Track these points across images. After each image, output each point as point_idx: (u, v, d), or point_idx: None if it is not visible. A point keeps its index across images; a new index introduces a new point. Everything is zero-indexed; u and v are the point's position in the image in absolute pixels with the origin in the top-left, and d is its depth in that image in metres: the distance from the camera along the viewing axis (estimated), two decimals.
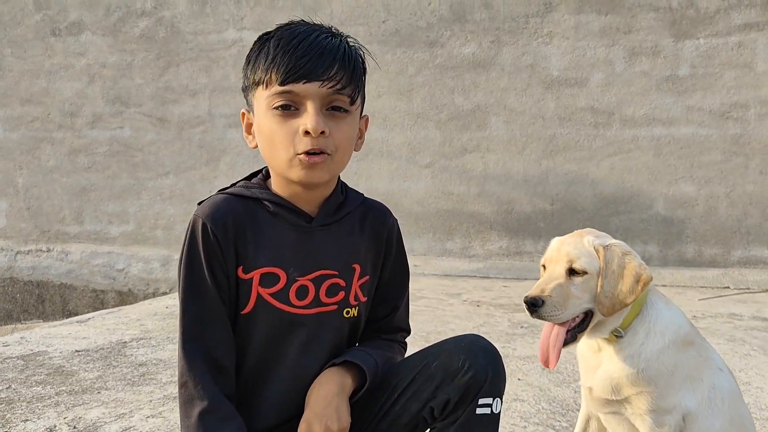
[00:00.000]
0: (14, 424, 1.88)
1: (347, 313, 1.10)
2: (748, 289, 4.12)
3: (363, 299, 1.13)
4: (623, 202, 4.75)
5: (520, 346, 2.71)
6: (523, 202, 4.91)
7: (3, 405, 2.04)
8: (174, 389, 2.19)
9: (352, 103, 1.04)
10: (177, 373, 1.03)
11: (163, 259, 5.52)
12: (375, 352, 1.11)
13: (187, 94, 5.47)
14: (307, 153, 1.01)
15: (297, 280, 1.06)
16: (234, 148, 5.40)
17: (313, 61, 0.99)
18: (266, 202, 1.08)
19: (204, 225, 1.03)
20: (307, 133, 1.00)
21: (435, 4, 4.98)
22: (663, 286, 4.24)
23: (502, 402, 1.03)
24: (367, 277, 1.13)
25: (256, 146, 1.09)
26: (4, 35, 5.82)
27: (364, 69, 1.09)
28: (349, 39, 1.08)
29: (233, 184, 1.12)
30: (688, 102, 4.60)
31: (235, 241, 1.04)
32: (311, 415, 1.02)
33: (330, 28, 1.08)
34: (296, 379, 1.08)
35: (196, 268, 1.03)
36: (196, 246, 1.03)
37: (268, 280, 1.05)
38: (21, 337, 2.91)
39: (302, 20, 1.09)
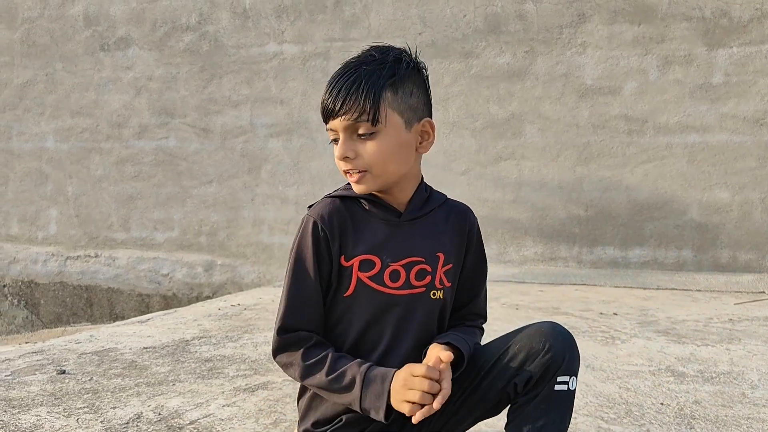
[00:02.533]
0: (104, 411, 2.05)
1: (434, 295, 1.27)
2: None
3: (447, 284, 1.29)
4: (657, 209, 4.83)
5: None
6: (557, 209, 5.02)
7: (89, 394, 2.22)
8: (243, 382, 2.35)
9: (375, 124, 1.17)
10: (273, 341, 1.25)
11: (206, 264, 5.73)
12: (466, 337, 1.27)
13: (230, 105, 5.69)
14: (345, 171, 1.24)
15: (390, 266, 1.24)
16: (275, 156, 5.59)
17: (333, 101, 1.17)
18: (362, 201, 1.27)
19: (315, 223, 1.23)
20: None
21: (470, 16, 5.12)
22: (698, 290, 4.31)
23: (577, 380, 1.16)
24: (451, 265, 1.29)
25: None
26: (56, 50, 6.10)
27: (381, 89, 1.17)
28: (365, 68, 1.18)
29: (335, 190, 1.30)
30: (721, 109, 4.67)
31: (339, 235, 1.23)
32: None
33: (373, 54, 1.20)
34: (392, 357, 1.24)
35: (304, 257, 1.23)
36: (307, 240, 1.23)
37: (365, 265, 1.23)
38: (90, 335, 3.10)
39: (372, 45, 1.22)
